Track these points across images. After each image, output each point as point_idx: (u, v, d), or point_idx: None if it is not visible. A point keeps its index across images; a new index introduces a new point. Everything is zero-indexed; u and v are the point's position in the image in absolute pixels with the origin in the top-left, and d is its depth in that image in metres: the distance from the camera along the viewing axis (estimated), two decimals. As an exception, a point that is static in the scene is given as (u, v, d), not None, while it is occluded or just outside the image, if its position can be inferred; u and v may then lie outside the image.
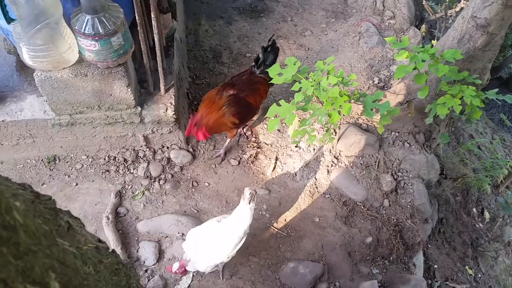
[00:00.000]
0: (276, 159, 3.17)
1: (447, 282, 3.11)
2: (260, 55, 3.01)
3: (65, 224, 0.97)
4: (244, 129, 3.28)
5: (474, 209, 3.73)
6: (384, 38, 3.73)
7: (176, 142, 3.08)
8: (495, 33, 2.52)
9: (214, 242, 2.38)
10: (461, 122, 3.65)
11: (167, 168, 3.04)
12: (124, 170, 3.01)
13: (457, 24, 2.68)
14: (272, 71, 2.57)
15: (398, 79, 3.13)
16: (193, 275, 2.61)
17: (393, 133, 3.23)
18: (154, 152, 3.08)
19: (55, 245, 0.82)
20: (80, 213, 2.82)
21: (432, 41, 3.59)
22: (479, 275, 3.43)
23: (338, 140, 3.14)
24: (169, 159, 3.07)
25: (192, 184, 3.01)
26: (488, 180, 3.58)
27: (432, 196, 3.26)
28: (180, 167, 3.07)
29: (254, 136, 3.29)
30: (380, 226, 2.91)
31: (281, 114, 2.49)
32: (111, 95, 2.66)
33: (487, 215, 3.74)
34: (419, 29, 3.99)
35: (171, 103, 2.86)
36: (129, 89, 2.64)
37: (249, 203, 2.31)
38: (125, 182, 2.97)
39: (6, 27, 2.42)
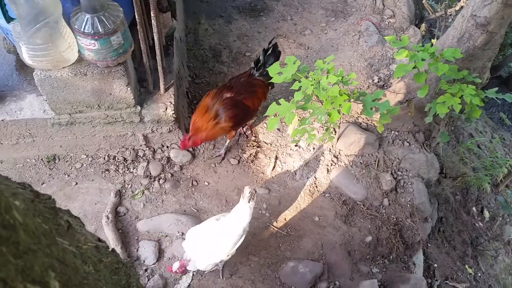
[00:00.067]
0: (276, 158, 3.17)
1: (447, 281, 3.11)
2: (261, 58, 2.99)
3: (65, 223, 0.97)
4: (244, 128, 3.28)
5: (474, 208, 3.73)
6: (384, 37, 3.73)
7: (176, 141, 3.08)
8: (494, 32, 2.52)
9: (213, 240, 2.38)
10: (461, 121, 3.65)
11: (167, 168, 3.04)
12: (123, 170, 3.01)
13: (456, 23, 2.68)
14: (272, 70, 2.57)
15: (398, 78, 3.13)
16: (193, 274, 2.61)
17: (392, 132, 3.23)
18: (154, 152, 3.08)
19: (54, 244, 0.81)
20: (80, 212, 2.82)
21: (432, 40, 3.59)
22: (479, 274, 3.43)
23: (337, 139, 3.14)
24: (169, 158, 3.07)
25: (192, 183, 3.01)
26: (488, 179, 3.58)
27: (432, 195, 3.26)
28: (180, 166, 3.07)
29: (254, 135, 3.29)
30: (380, 225, 2.91)
31: (281, 113, 2.49)
32: (110, 94, 2.66)
33: (486, 214, 3.74)
34: (419, 28, 3.99)
35: (170, 102, 2.86)
36: (128, 88, 2.64)
37: (249, 202, 2.31)
38: (124, 181, 2.97)
39: (5, 26, 2.42)
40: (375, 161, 3.11)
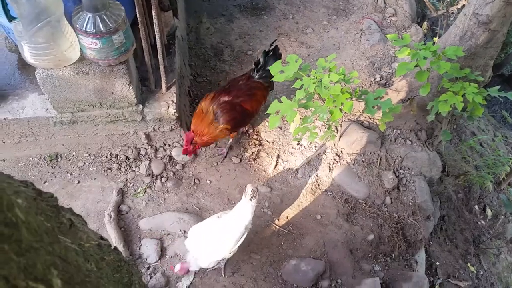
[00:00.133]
0: (278, 156, 3.17)
1: (449, 279, 3.11)
2: (261, 59, 2.98)
3: (67, 221, 0.97)
4: (246, 127, 3.28)
5: (476, 206, 3.73)
6: (386, 36, 3.72)
7: (178, 140, 3.08)
8: (497, 30, 2.51)
9: (215, 237, 2.39)
10: (463, 119, 3.65)
11: (169, 166, 3.05)
12: (126, 168, 3.02)
13: (458, 21, 2.67)
14: (274, 68, 2.56)
15: (400, 76, 3.13)
16: (195, 273, 2.61)
17: (395, 130, 3.22)
18: (156, 150, 3.09)
19: (57, 242, 0.82)
20: (82, 211, 2.83)
21: (434, 38, 3.58)
22: (481, 272, 3.43)
23: (339, 138, 3.14)
24: (170, 157, 3.07)
25: (194, 182, 3.01)
26: (490, 177, 3.57)
27: (434, 193, 3.26)
28: (182, 164, 3.07)
29: (255, 134, 3.29)
30: (382, 223, 2.91)
31: (283, 111, 2.48)
32: (112, 93, 2.66)
33: (489, 212, 3.74)
34: (421, 26, 3.98)
35: (172, 101, 2.86)
36: (130, 87, 2.65)
37: (251, 200, 2.31)
38: (127, 180, 2.98)
39: (7, 25, 2.42)
40: (377, 159, 3.11)
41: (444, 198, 3.46)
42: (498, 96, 2.59)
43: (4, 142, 2.89)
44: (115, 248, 1.19)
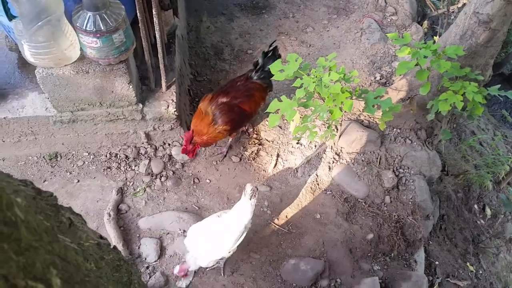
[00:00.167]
0: (278, 155, 3.17)
1: (448, 279, 3.12)
2: (260, 60, 2.97)
3: (67, 220, 0.97)
4: (246, 126, 3.28)
5: (476, 206, 3.73)
6: (386, 34, 3.72)
7: (178, 139, 3.08)
8: (497, 29, 2.51)
9: (215, 237, 2.39)
10: (463, 119, 3.64)
11: (168, 165, 3.05)
12: (125, 167, 3.02)
13: (459, 20, 2.67)
14: (274, 67, 2.56)
15: (400, 75, 3.13)
16: (194, 272, 2.61)
17: (394, 129, 3.22)
18: (156, 149, 3.09)
19: (56, 242, 0.82)
20: (82, 210, 2.83)
21: (434, 37, 3.58)
22: (480, 272, 3.43)
23: (339, 137, 3.14)
24: (170, 156, 3.07)
25: (194, 181, 3.01)
26: (490, 176, 3.57)
27: (434, 192, 3.26)
28: (182, 164, 3.07)
29: (255, 133, 3.29)
30: (381, 222, 2.91)
31: (282, 110, 2.48)
32: (112, 92, 2.66)
33: (488, 211, 3.74)
34: (421, 25, 3.98)
35: (172, 100, 2.86)
36: (130, 86, 2.64)
37: (251, 199, 2.31)
38: (126, 179, 2.98)
39: (7, 24, 2.42)
40: (377, 158, 3.11)
41: (444, 198, 3.46)
42: (498, 95, 2.59)
43: (3, 141, 2.89)
44: (115, 247, 1.19)
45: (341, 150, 3.15)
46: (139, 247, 2.71)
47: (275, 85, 3.30)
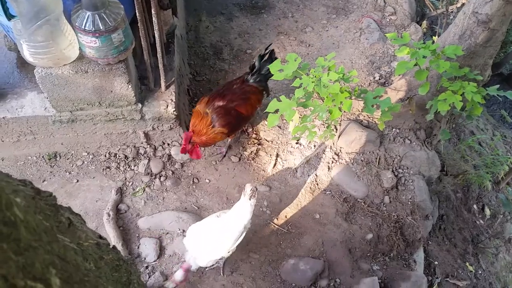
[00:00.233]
0: (277, 155, 3.17)
1: (448, 279, 3.12)
2: (256, 64, 2.96)
3: (66, 220, 0.97)
4: (245, 126, 3.28)
5: (475, 206, 3.73)
6: (385, 34, 3.72)
7: (177, 139, 3.08)
8: (496, 29, 2.51)
9: (214, 237, 2.39)
10: (462, 119, 3.64)
11: (167, 165, 3.05)
12: (124, 167, 3.01)
13: (458, 20, 2.67)
14: (273, 67, 2.56)
15: (399, 75, 3.13)
16: (193, 272, 2.61)
17: (394, 129, 3.22)
18: (155, 149, 3.08)
19: (55, 241, 0.82)
20: (81, 210, 2.83)
21: (433, 37, 3.58)
22: (480, 272, 3.44)
23: (338, 137, 3.14)
24: (169, 155, 3.07)
25: (193, 181, 3.01)
26: (489, 176, 3.58)
27: (433, 192, 3.26)
28: (181, 163, 3.07)
29: (254, 132, 3.29)
30: (381, 222, 2.91)
31: (282, 109, 2.48)
32: (111, 91, 2.66)
33: (487, 211, 3.74)
34: (420, 25, 3.98)
35: (171, 100, 2.86)
36: (129, 86, 2.64)
37: (250, 199, 2.31)
38: (125, 178, 2.98)
39: (6, 24, 2.42)
40: (376, 158, 3.11)
41: (443, 198, 3.46)
42: (497, 95, 2.59)
43: (2, 141, 2.89)
44: (114, 247, 1.19)
45: (340, 150, 3.15)
46: (138, 247, 2.70)
47: (274, 85, 3.31)
